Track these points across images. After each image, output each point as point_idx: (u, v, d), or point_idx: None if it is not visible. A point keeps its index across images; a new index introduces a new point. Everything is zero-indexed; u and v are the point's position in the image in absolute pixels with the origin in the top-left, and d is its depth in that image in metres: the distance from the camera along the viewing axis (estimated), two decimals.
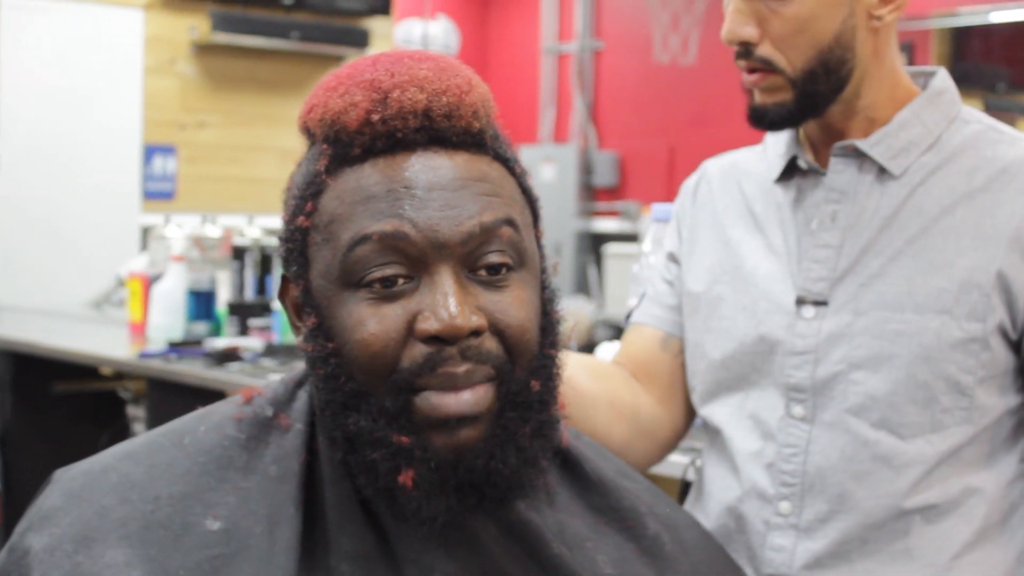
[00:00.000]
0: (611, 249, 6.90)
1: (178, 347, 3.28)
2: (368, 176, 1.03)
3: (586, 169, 8.36)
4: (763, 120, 1.49)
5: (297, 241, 1.07)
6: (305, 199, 1.06)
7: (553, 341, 1.08)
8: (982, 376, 1.41)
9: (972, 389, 1.41)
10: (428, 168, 1.03)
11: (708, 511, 1.55)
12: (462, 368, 1.00)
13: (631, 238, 7.41)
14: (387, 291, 1.01)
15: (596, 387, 1.55)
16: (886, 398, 1.41)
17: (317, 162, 1.07)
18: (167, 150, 5.84)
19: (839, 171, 1.50)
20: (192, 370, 3.05)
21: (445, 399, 1.00)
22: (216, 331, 3.59)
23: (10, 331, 3.83)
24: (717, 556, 1.26)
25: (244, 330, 3.50)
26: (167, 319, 3.51)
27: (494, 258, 1.03)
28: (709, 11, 7.60)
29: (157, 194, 5.77)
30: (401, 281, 1.01)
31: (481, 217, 1.02)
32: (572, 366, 1.45)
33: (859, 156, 1.49)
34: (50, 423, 3.57)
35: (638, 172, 8.25)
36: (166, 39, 5.84)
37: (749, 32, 1.46)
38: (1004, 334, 1.42)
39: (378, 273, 1.01)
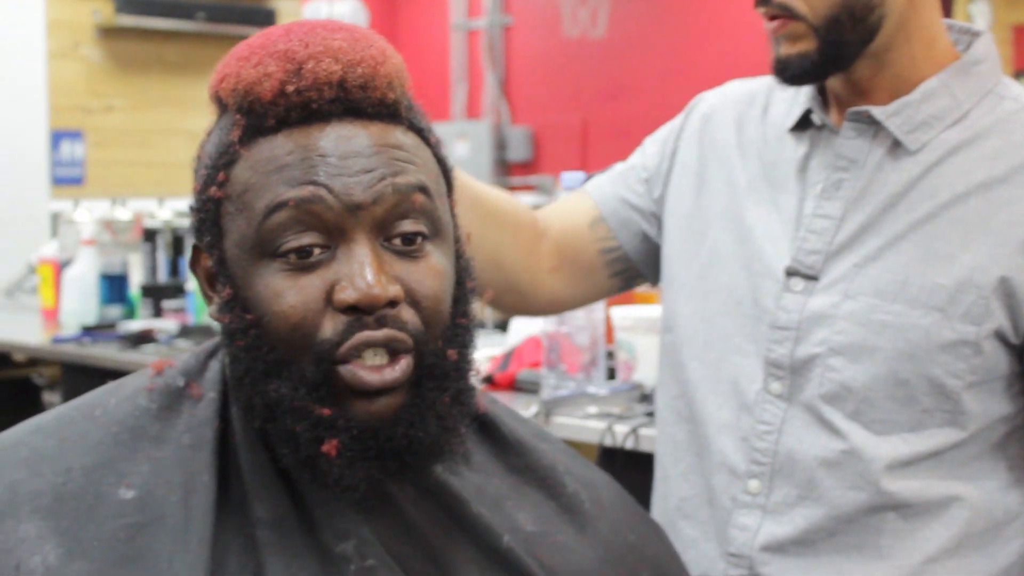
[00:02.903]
0: None
1: (92, 331, 3.25)
2: (282, 146, 1.03)
3: (500, 145, 8.35)
4: (785, 72, 1.39)
5: (209, 211, 1.07)
6: (217, 169, 1.06)
7: (465, 311, 1.09)
8: (971, 381, 1.34)
9: (958, 393, 1.34)
10: (343, 138, 1.03)
11: (669, 478, 1.52)
12: (380, 333, 1.00)
13: None
14: (303, 261, 1.01)
15: (476, 224, 1.46)
16: (862, 391, 1.35)
17: (230, 132, 1.06)
18: (74, 135, 5.76)
19: (850, 137, 1.40)
20: (107, 353, 3.03)
21: (367, 375, 1.00)
22: (130, 314, 3.57)
23: None
24: (634, 514, 1.27)
25: (158, 312, 3.48)
26: (80, 304, 3.48)
27: (408, 226, 1.03)
28: None
29: (66, 180, 5.70)
30: (317, 251, 1.01)
31: (395, 179, 1.02)
32: (465, 197, 1.44)
33: (874, 124, 1.39)
34: None
35: (552, 146, 8.26)
36: (69, 23, 5.75)
37: None
38: (1002, 339, 1.34)
39: (294, 243, 1.01)
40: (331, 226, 1.01)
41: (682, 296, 1.52)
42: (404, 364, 1.01)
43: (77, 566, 0.99)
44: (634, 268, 1.62)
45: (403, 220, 1.03)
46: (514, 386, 2.41)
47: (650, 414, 2.07)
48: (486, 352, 2.74)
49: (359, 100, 1.04)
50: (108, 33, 5.95)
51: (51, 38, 5.64)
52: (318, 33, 1.06)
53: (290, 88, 1.03)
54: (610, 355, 2.37)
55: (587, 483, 1.24)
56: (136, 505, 1.03)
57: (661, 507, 1.54)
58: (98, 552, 1.00)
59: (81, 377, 3.08)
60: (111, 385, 1.15)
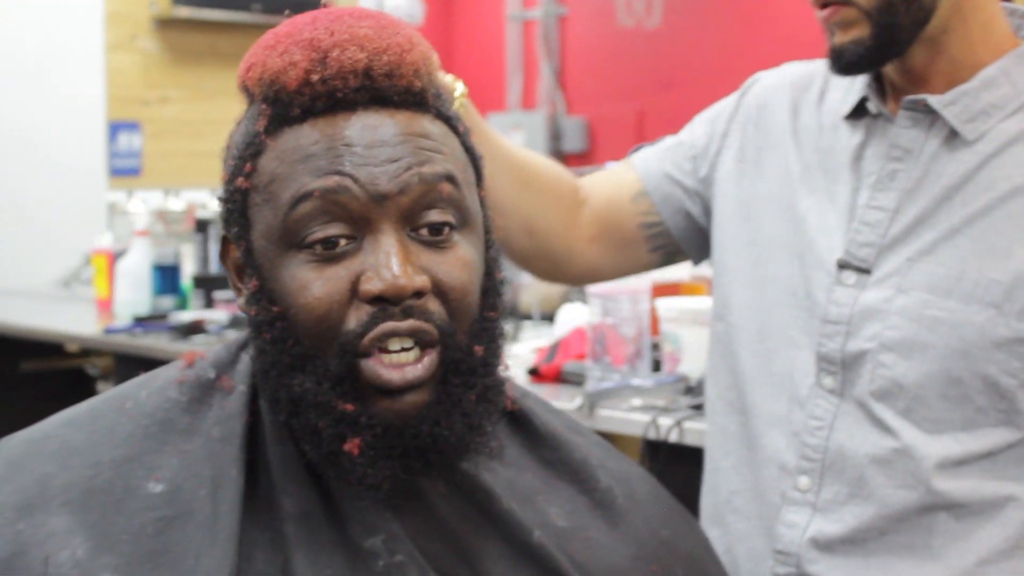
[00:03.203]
0: None
1: (143, 322, 3.27)
2: (308, 136, 1.02)
3: (555, 135, 8.32)
4: (840, 61, 1.35)
5: (237, 202, 1.06)
6: (244, 159, 1.05)
7: (494, 304, 1.07)
8: None
9: (1013, 392, 1.30)
10: (369, 127, 1.02)
11: (719, 471, 1.50)
12: (405, 324, 0.99)
13: None
14: (329, 252, 1.00)
15: (515, 193, 1.50)
16: (914, 388, 1.32)
17: (256, 122, 1.06)
18: (132, 126, 5.79)
19: (906, 127, 1.37)
20: (158, 344, 3.05)
21: (390, 374, 0.99)
22: (182, 305, 3.58)
23: None
24: (668, 509, 1.25)
25: (210, 303, 3.49)
26: (133, 294, 3.50)
27: (435, 216, 1.02)
28: None
29: (124, 171, 5.73)
30: (344, 242, 1.00)
31: (421, 169, 1.01)
32: (506, 162, 1.46)
33: (930, 113, 1.36)
34: (19, 402, 3.55)
35: (607, 137, 8.22)
36: (126, 14, 5.78)
37: None
38: None
39: (320, 233, 1.00)
40: (357, 216, 1.00)
41: (736, 284, 1.49)
42: (428, 361, 1.00)
43: (105, 560, 0.99)
44: (674, 245, 1.59)
45: (430, 210, 1.02)
46: (559, 378, 2.40)
47: (695, 407, 2.05)
48: (532, 344, 2.74)
49: (385, 88, 1.03)
50: (165, 24, 5.98)
51: (109, 30, 5.68)
52: (344, 21, 1.05)
53: (315, 77, 1.02)
54: (655, 347, 2.35)
55: (621, 477, 1.22)
56: (165, 499, 1.03)
57: (711, 500, 1.52)
58: (126, 546, 1.00)
59: (133, 367, 3.07)
60: (143, 377, 1.15)
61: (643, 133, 7.80)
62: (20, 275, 4.61)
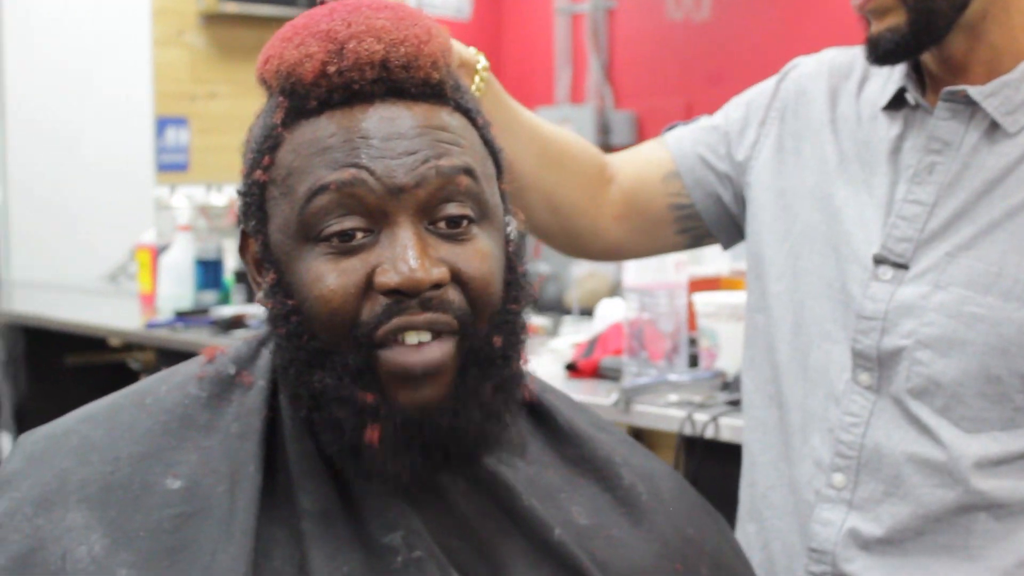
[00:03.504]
0: None
1: (185, 316, 3.28)
2: (324, 128, 1.01)
3: (603, 129, 8.30)
4: (876, 51, 1.32)
5: (255, 195, 1.06)
6: (262, 153, 1.05)
7: (516, 296, 1.06)
8: None
9: None
10: (386, 119, 1.01)
11: (757, 465, 1.48)
12: (422, 316, 0.98)
13: None
14: (346, 245, 0.99)
15: (538, 170, 1.48)
16: (952, 386, 1.29)
17: (273, 115, 1.05)
18: (179, 122, 5.82)
19: (945, 118, 1.34)
20: (198, 338, 3.05)
21: (407, 357, 0.98)
22: (224, 299, 3.59)
23: (24, 306, 3.84)
24: (695, 507, 1.23)
25: (251, 298, 3.48)
26: (175, 289, 3.51)
27: (453, 209, 1.01)
28: None
29: (171, 166, 5.76)
30: (360, 235, 0.99)
31: (438, 162, 1.00)
32: (530, 137, 1.44)
33: (970, 104, 1.32)
34: (63, 396, 3.56)
35: (655, 131, 8.07)
36: (173, 10, 5.81)
37: None
38: None
39: (336, 226, 0.99)
40: (373, 209, 0.99)
41: (772, 275, 1.47)
42: (447, 345, 0.99)
43: (122, 556, 0.99)
44: (703, 228, 1.57)
45: (448, 203, 1.01)
46: (597, 373, 2.38)
47: (732, 403, 2.03)
48: (571, 339, 2.72)
49: (402, 80, 1.02)
50: (212, 20, 6.00)
51: (156, 25, 5.71)
52: (362, 12, 1.04)
53: (331, 69, 1.01)
54: (692, 342, 2.33)
55: (646, 475, 1.21)
56: (182, 495, 1.03)
57: (748, 494, 1.50)
58: (143, 542, 1.00)
59: (173, 362, 3.05)
60: (164, 373, 1.15)
61: None
62: (70, 270, 4.65)
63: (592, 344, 2.46)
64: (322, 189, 0.99)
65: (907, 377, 1.31)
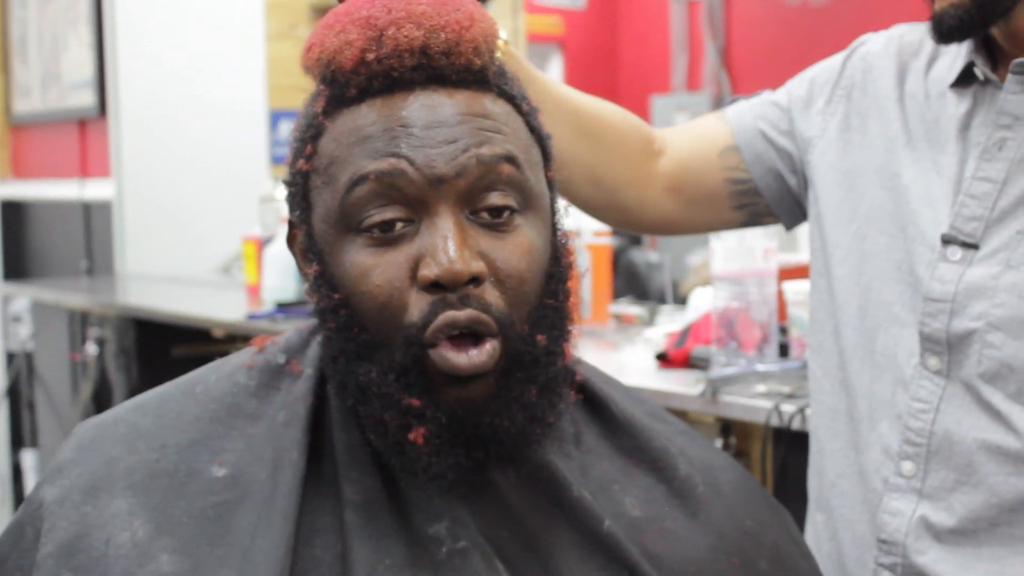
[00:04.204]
0: None
1: (286, 307, 3.30)
2: (365, 116, 1.00)
3: None
4: (940, 28, 1.30)
5: (299, 185, 1.06)
6: (305, 142, 1.05)
7: (556, 290, 1.04)
8: None
9: None
10: (426, 106, 1.00)
11: (824, 452, 1.44)
12: (463, 313, 0.97)
13: None
14: (386, 236, 0.99)
15: (573, 139, 1.45)
16: None
17: (315, 104, 1.05)
18: (292, 115, 5.87)
19: (1015, 92, 1.29)
20: None
21: (458, 358, 0.97)
22: None
23: (136, 299, 3.91)
24: (755, 499, 1.21)
25: None
26: (279, 280, 3.54)
27: (495, 199, 1.00)
28: None
29: (284, 159, 5.83)
30: (400, 225, 0.98)
31: (479, 150, 0.99)
32: (561, 111, 1.42)
33: None
34: None
35: None
36: (285, 4, 5.86)
37: None
38: None
39: (377, 217, 0.98)
40: (413, 199, 0.98)
41: (836, 258, 1.43)
42: (490, 347, 0.98)
43: (164, 542, 1.00)
44: (762, 204, 1.53)
45: (490, 192, 1.00)
46: (688, 363, 2.35)
47: None
48: (665, 328, 2.69)
49: (443, 67, 1.01)
50: (323, 13, 6.03)
51: (269, 19, 5.77)
52: None
53: (370, 56, 1.01)
54: (783, 331, 2.28)
55: (704, 466, 1.18)
56: (227, 483, 1.04)
57: (816, 483, 1.47)
58: (186, 528, 1.01)
59: None
60: (216, 362, 1.16)
61: None
62: (184, 263, 4.72)
63: (684, 333, 2.43)
64: (362, 179, 0.98)
65: (978, 361, 1.27)
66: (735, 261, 2.09)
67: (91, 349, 3.82)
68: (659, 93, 8.53)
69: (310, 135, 1.04)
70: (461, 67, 1.02)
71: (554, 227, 1.07)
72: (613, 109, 1.52)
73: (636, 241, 6.19)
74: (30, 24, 5.25)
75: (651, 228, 1.59)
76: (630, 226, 1.59)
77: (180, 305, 3.65)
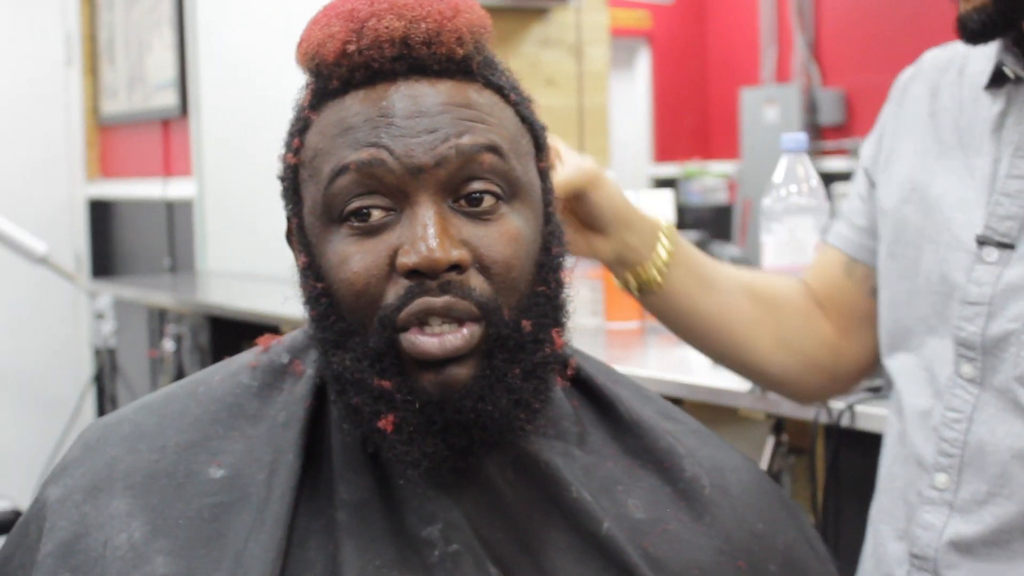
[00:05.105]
0: (840, 189, 6.68)
1: None
2: (348, 108, 1.00)
3: (810, 108, 8.14)
4: (965, 31, 1.26)
5: (289, 179, 1.06)
6: (293, 136, 1.06)
7: (547, 279, 1.03)
8: None
9: None
10: (408, 96, 1.00)
11: (880, 473, 1.40)
12: (440, 300, 0.96)
13: None
14: (367, 225, 0.98)
15: (755, 311, 1.41)
16: None
17: (303, 97, 1.05)
18: None
19: None
20: None
21: (427, 342, 0.96)
22: None
23: (214, 296, 3.96)
24: (768, 500, 1.18)
25: None
26: None
27: (477, 186, 0.99)
28: None
29: None
30: (381, 213, 0.98)
31: (459, 140, 0.98)
32: (736, 286, 1.40)
33: None
34: None
35: (866, 108, 7.99)
36: None
37: None
38: None
39: (357, 203, 0.98)
40: (394, 189, 0.98)
41: (882, 283, 1.39)
42: (468, 332, 0.97)
43: (160, 544, 1.01)
44: None
45: (472, 181, 0.99)
46: None
47: (872, 389, 1.94)
48: None
49: (424, 57, 1.01)
50: None
51: None
52: None
53: (351, 48, 1.00)
54: None
55: (713, 467, 1.16)
56: (224, 484, 1.04)
57: (876, 506, 1.42)
58: (182, 530, 1.01)
59: None
60: (222, 362, 1.17)
61: None
62: (263, 259, 4.76)
63: None
64: (343, 170, 0.98)
65: (1015, 364, 1.22)
66: (786, 255, 2.05)
67: (168, 345, 3.88)
68: (748, 86, 8.46)
69: (298, 128, 1.05)
70: (443, 57, 1.01)
71: (547, 217, 1.06)
72: (777, 275, 1.51)
73: (724, 236, 6.14)
74: (117, 27, 5.34)
75: (853, 378, 1.50)
76: (838, 386, 1.51)
77: (254, 302, 3.69)
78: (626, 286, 1.38)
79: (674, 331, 1.42)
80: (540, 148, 1.08)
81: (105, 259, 5.50)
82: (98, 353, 4.44)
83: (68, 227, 5.49)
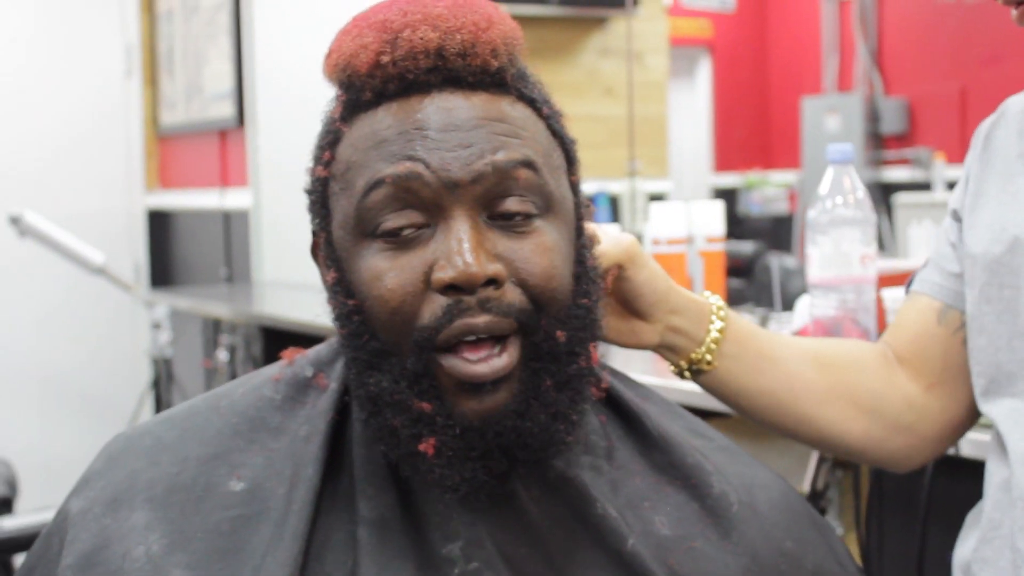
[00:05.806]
0: (902, 199, 6.60)
1: None
2: (381, 120, 0.99)
3: (872, 117, 8.06)
4: None
5: (318, 192, 1.05)
6: (323, 148, 1.05)
7: (586, 291, 1.02)
8: None
9: None
10: (442, 109, 0.98)
11: (981, 522, 1.28)
12: (481, 319, 0.95)
13: (923, 187, 7.08)
14: (402, 239, 0.97)
15: (824, 379, 1.31)
16: None
17: (333, 110, 1.05)
18: None
19: None
20: None
21: (475, 368, 0.95)
22: None
23: (269, 307, 3.97)
24: (798, 519, 1.16)
25: None
26: None
27: (514, 205, 0.98)
28: None
29: None
30: (416, 228, 0.97)
31: (495, 156, 0.97)
32: (799, 356, 1.31)
33: None
34: None
35: (928, 117, 7.90)
36: None
37: None
38: None
39: (392, 222, 0.97)
40: (429, 203, 0.97)
41: (975, 329, 1.30)
42: (512, 349, 0.96)
43: (178, 557, 1.00)
44: None
45: (507, 198, 0.98)
46: None
47: None
48: None
49: (459, 69, 0.99)
50: None
51: None
52: (420, 1, 1.02)
53: (385, 59, 0.99)
54: None
55: (742, 484, 1.14)
56: (244, 497, 1.03)
57: (975, 554, 1.30)
58: (200, 543, 1.01)
59: None
60: (246, 375, 1.16)
61: (967, 111, 7.44)
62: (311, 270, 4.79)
63: None
64: (378, 183, 0.97)
65: None
66: (831, 268, 2.02)
67: (222, 356, 3.89)
68: (810, 95, 8.39)
69: (328, 141, 1.04)
70: (477, 69, 1.00)
71: (578, 231, 1.05)
72: (849, 340, 1.47)
73: (783, 247, 6.07)
74: (176, 39, 5.38)
75: (942, 440, 1.38)
76: (923, 449, 1.38)
77: (306, 313, 3.69)
78: (678, 371, 1.28)
79: (737, 411, 1.32)
80: (571, 162, 1.07)
81: (164, 269, 5.54)
82: (155, 362, 4.47)
83: (127, 237, 5.53)
